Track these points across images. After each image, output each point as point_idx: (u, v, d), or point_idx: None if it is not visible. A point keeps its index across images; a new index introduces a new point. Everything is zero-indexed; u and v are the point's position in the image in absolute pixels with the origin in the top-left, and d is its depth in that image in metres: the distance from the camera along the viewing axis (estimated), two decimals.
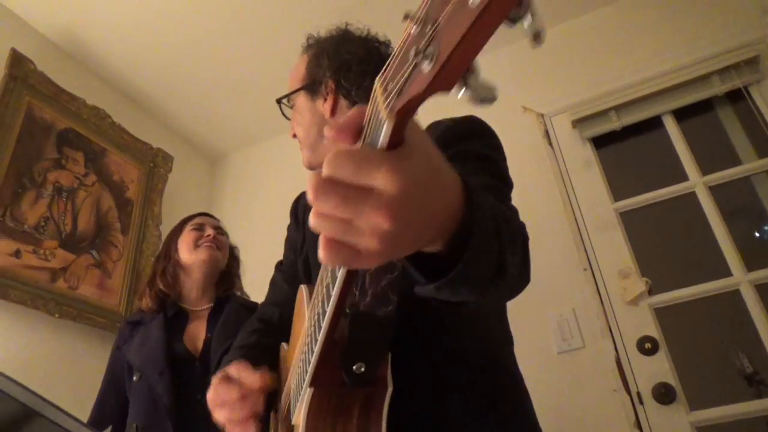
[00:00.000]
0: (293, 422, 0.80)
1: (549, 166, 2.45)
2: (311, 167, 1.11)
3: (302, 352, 0.77)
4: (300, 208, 1.19)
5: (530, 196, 2.28)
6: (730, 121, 2.40)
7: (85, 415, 1.66)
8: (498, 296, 0.69)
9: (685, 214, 2.29)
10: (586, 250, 2.25)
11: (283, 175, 2.91)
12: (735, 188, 2.26)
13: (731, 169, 2.22)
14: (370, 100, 0.42)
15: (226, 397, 0.87)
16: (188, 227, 1.89)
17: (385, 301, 0.70)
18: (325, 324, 0.64)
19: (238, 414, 0.86)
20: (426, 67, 0.33)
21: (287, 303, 1.03)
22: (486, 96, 0.33)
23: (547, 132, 2.52)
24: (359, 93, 1.02)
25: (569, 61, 2.61)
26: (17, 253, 2.11)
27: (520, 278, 0.65)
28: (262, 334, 1.08)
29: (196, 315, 1.79)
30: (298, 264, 1.11)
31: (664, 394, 1.94)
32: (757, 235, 2.44)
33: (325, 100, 1.05)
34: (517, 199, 0.83)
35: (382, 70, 0.41)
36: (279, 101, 1.15)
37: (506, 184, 0.87)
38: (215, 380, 0.90)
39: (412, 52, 0.34)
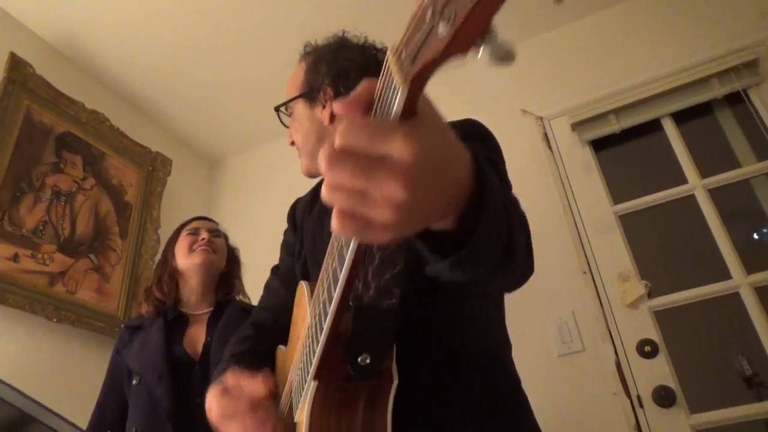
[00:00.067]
0: (296, 419, 0.78)
1: (548, 170, 2.44)
2: (310, 175, 1.11)
3: (305, 346, 0.76)
4: (298, 213, 1.19)
5: (529, 200, 2.24)
6: (729, 124, 2.40)
7: (83, 420, 1.65)
8: (506, 280, 0.68)
9: (685, 216, 2.29)
10: (585, 254, 2.24)
11: (282, 179, 2.90)
12: (734, 191, 2.26)
13: (730, 171, 2.22)
14: (382, 72, 0.41)
15: (234, 408, 0.83)
16: (184, 233, 1.89)
17: (389, 294, 0.70)
18: (331, 310, 0.63)
19: (253, 423, 0.82)
20: (443, 29, 0.32)
21: (284, 306, 1.03)
22: (505, 55, 0.33)
23: (546, 135, 2.52)
24: None
25: (568, 64, 2.61)
26: (15, 258, 2.10)
27: (526, 265, 0.66)
28: (255, 340, 1.06)
29: (196, 319, 1.79)
30: (296, 269, 1.10)
31: (664, 397, 1.93)
32: (757, 237, 2.44)
33: (324, 107, 1.06)
34: None
35: (394, 43, 0.40)
36: (277, 109, 1.15)
37: (506, 186, 0.87)
38: (215, 393, 0.86)
39: (428, 15, 0.34)
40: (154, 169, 2.90)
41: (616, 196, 2.34)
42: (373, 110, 0.42)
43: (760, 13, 2.26)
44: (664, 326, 2.07)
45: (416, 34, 0.36)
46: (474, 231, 0.49)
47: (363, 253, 0.66)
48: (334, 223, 0.41)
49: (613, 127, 2.42)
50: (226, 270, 1.90)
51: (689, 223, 2.25)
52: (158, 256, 2.49)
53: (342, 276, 0.58)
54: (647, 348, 2.02)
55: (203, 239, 1.84)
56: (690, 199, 2.22)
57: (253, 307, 1.79)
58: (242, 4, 2.46)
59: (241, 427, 0.83)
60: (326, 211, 1.06)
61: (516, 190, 0.89)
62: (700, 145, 2.33)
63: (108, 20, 2.48)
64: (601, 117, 2.44)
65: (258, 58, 2.72)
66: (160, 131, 3.12)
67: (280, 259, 1.22)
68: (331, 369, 0.69)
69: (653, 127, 2.41)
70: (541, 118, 2.55)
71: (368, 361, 0.68)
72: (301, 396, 0.76)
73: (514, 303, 0.99)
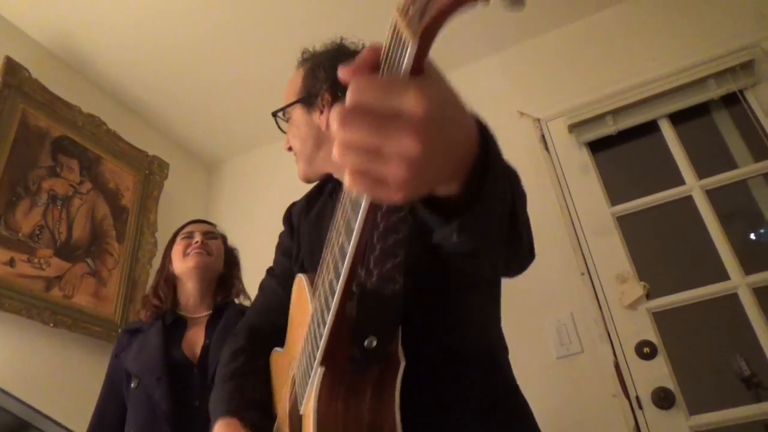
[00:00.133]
0: (302, 411, 0.77)
1: (545, 171, 2.44)
2: (307, 180, 1.12)
3: (309, 333, 0.75)
4: (294, 216, 1.19)
5: (527, 201, 2.27)
6: (726, 125, 2.41)
7: (81, 425, 1.64)
8: (510, 251, 0.68)
9: (682, 217, 2.29)
10: (583, 255, 2.24)
11: (280, 182, 2.90)
12: (731, 192, 2.27)
13: (727, 172, 2.22)
14: (388, 32, 0.42)
15: None
16: (179, 237, 1.89)
17: (392, 280, 0.70)
18: (339, 286, 0.62)
19: None
20: None
21: (282, 306, 1.02)
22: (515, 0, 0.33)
23: (543, 137, 2.52)
24: None
25: (565, 65, 2.62)
26: (11, 262, 2.09)
27: (529, 243, 0.66)
28: (249, 356, 1.04)
29: (195, 322, 1.78)
30: (293, 271, 1.10)
31: (663, 399, 1.93)
32: (754, 238, 2.45)
33: (322, 112, 1.06)
34: None
35: (399, 3, 0.40)
36: (275, 114, 1.15)
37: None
38: None
39: None
40: (151, 172, 2.89)
41: (614, 198, 2.34)
42: (381, 71, 0.43)
43: (760, 13, 2.26)
44: (663, 327, 2.07)
45: None
46: (479, 194, 0.50)
47: (371, 224, 0.66)
48: (347, 180, 0.42)
49: (610, 128, 2.41)
50: (224, 271, 1.90)
51: (687, 224, 2.25)
52: (155, 260, 2.49)
53: (351, 246, 0.57)
54: (646, 349, 2.02)
55: (197, 242, 1.84)
56: (687, 200, 2.22)
57: None
58: (239, 6, 2.46)
59: None
60: (323, 215, 1.05)
61: None
62: (697, 146, 2.34)
63: (104, 24, 2.47)
64: (598, 118, 2.44)
65: (255, 60, 2.72)
66: (157, 134, 3.12)
67: (275, 260, 1.21)
68: (338, 354, 0.68)
69: (650, 128, 2.41)
70: (538, 120, 2.55)
71: (375, 343, 0.68)
72: (306, 387, 0.74)
73: (513, 305, 0.99)
